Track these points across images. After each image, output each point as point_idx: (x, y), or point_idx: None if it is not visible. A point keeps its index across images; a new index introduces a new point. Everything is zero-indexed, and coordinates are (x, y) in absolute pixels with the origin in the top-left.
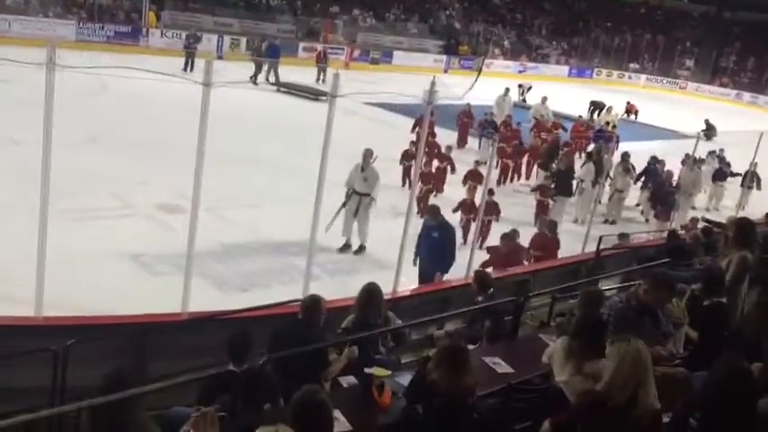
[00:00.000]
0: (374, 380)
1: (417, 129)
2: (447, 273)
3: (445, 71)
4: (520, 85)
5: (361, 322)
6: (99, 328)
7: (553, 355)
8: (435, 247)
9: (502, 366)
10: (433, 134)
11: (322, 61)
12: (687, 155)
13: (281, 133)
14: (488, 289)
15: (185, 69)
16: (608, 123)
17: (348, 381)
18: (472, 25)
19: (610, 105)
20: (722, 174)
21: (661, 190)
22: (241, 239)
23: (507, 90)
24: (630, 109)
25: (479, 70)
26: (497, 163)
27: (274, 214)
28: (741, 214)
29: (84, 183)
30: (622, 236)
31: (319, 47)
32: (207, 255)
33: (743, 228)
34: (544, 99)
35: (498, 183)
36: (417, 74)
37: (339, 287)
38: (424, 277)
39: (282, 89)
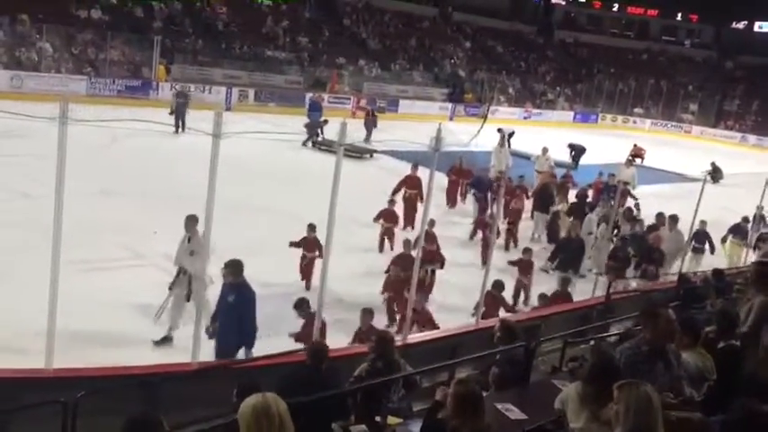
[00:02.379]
0: (386, 428)
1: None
2: (252, 347)
3: (450, 118)
4: (499, 130)
5: (375, 370)
6: (109, 379)
7: (567, 400)
8: (231, 313)
9: (514, 413)
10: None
11: (371, 121)
12: (660, 214)
13: (292, 182)
14: (515, 340)
15: (177, 131)
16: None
17: (360, 429)
18: (476, 73)
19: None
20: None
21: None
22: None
23: (503, 138)
24: (638, 153)
25: (485, 117)
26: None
27: (284, 263)
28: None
29: (95, 234)
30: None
31: (366, 106)
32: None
33: (764, 272)
34: (545, 150)
35: (506, 247)
36: (423, 122)
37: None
38: (222, 351)
39: (323, 147)
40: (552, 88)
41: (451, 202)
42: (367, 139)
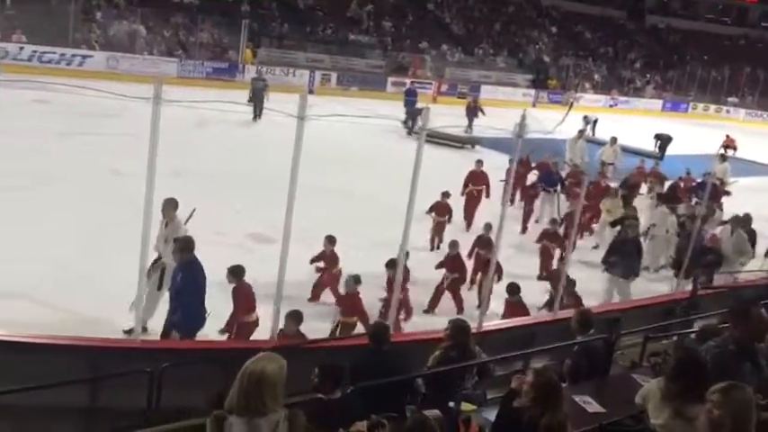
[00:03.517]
0: (460, 414)
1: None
2: (195, 331)
3: (533, 105)
4: (585, 117)
5: (449, 358)
6: (191, 353)
7: (648, 396)
8: (179, 294)
9: (592, 406)
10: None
11: (473, 112)
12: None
13: (375, 167)
14: (590, 329)
15: (255, 119)
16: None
17: (434, 414)
18: (561, 59)
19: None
20: None
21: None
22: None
23: (581, 132)
24: (729, 144)
25: (570, 104)
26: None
27: (362, 246)
28: None
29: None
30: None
31: (469, 97)
32: (294, 285)
33: None
34: (614, 140)
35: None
36: (505, 108)
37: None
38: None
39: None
40: (641, 75)
41: (512, 196)
42: (468, 128)
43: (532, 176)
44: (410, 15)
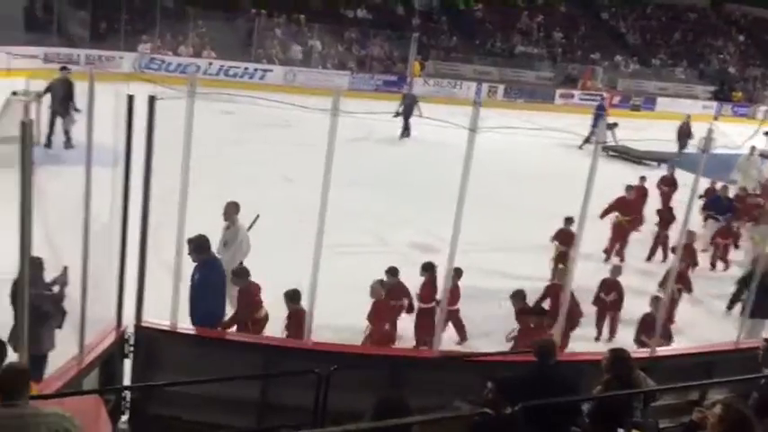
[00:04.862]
0: None
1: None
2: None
3: (715, 118)
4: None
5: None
6: (358, 357)
7: None
8: (196, 295)
9: None
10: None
11: (686, 134)
12: None
13: (544, 180)
14: None
15: (402, 136)
16: None
17: None
18: (748, 69)
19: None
20: None
21: None
22: (491, 284)
23: (753, 149)
24: None
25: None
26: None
27: (525, 261)
28: None
29: (346, 219)
30: None
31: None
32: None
33: None
34: (753, 150)
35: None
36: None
37: None
38: None
39: (613, 153)
40: None
41: (662, 221)
42: (679, 153)
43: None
44: (582, 26)
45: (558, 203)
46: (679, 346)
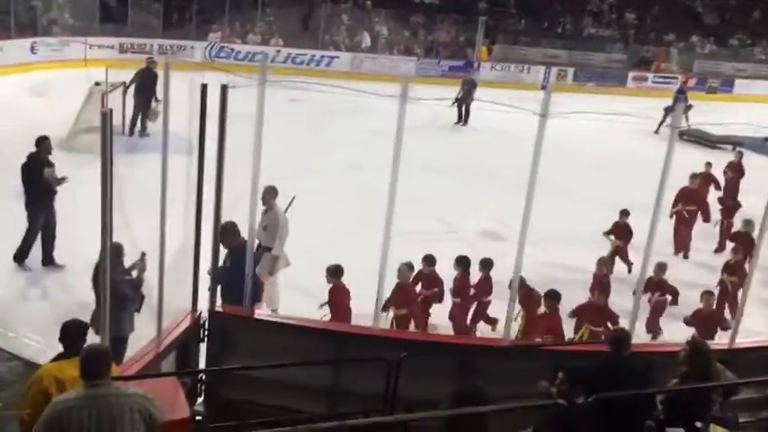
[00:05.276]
0: None
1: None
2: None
3: None
4: None
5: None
6: (428, 345)
7: None
8: (226, 279)
9: None
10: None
11: None
12: None
13: (615, 166)
14: None
15: (459, 121)
16: None
17: None
18: None
19: None
20: None
21: None
22: (558, 274)
23: None
24: None
25: None
26: None
27: (590, 253)
28: None
29: (415, 207)
30: None
31: None
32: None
33: None
34: None
35: None
36: (764, 103)
37: None
38: None
39: (688, 138)
40: None
41: (725, 210)
42: None
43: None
44: (656, 6)
45: (630, 192)
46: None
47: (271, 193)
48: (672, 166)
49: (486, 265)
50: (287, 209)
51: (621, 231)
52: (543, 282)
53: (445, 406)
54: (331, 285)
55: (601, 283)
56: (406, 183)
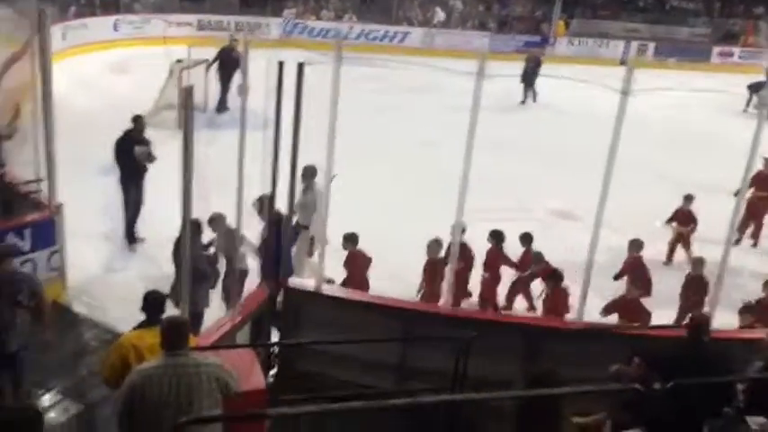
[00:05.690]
0: None
1: None
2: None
3: None
4: None
5: None
6: (497, 325)
7: None
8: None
9: None
10: None
11: None
12: None
13: (698, 147)
14: None
15: (524, 100)
16: None
17: (758, 422)
18: None
19: None
20: None
21: None
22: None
23: None
24: None
25: None
26: None
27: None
28: None
29: (487, 185)
30: None
31: None
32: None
33: None
34: None
35: None
36: None
37: None
38: None
39: None
40: None
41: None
42: None
43: None
44: None
45: (714, 173)
46: None
47: (309, 172)
48: (761, 148)
49: (527, 239)
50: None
51: (684, 218)
52: (611, 268)
53: (519, 388)
54: (347, 252)
55: (632, 270)
56: (478, 160)
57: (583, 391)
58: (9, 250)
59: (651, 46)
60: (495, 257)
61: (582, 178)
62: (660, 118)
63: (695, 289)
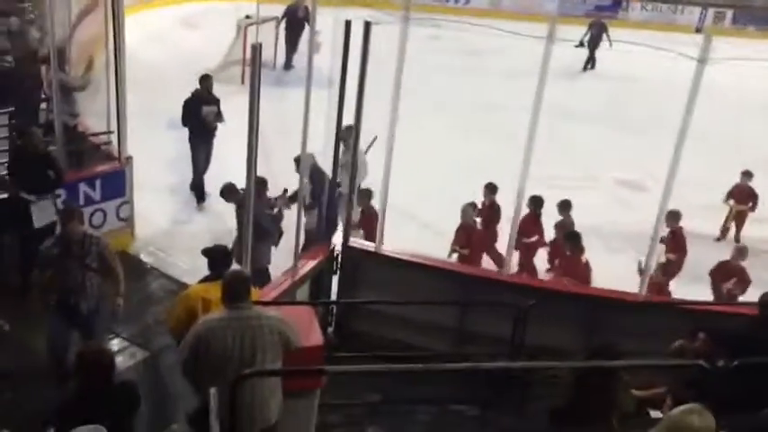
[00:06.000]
0: None
1: None
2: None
3: None
4: None
5: None
6: (557, 294)
7: None
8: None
9: None
10: None
11: None
12: None
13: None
14: None
15: (586, 66)
16: None
17: None
18: None
19: None
20: None
21: None
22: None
23: None
24: None
25: None
26: None
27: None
28: None
29: (552, 152)
30: None
31: None
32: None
33: None
34: None
35: None
36: None
37: None
38: None
39: None
40: None
41: None
42: None
43: None
44: None
45: None
46: None
47: (348, 134)
48: None
49: (565, 205)
50: (367, 149)
51: (743, 194)
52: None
53: (578, 359)
54: (361, 208)
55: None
56: (543, 126)
57: (644, 365)
58: (75, 210)
59: (729, 13)
60: (532, 223)
61: (654, 148)
62: (737, 88)
63: (723, 277)
